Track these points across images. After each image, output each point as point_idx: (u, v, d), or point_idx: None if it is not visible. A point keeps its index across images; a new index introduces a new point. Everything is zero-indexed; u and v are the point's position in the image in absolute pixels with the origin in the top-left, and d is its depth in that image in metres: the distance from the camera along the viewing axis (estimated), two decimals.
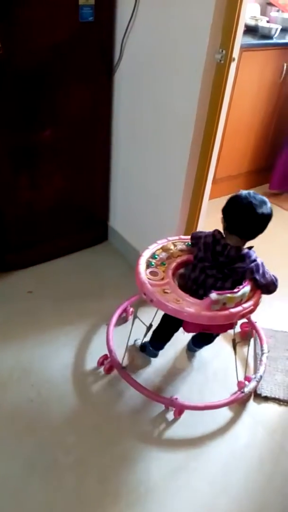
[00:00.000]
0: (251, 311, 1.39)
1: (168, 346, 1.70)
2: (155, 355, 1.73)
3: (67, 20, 1.66)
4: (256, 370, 1.74)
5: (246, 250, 1.42)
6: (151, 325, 1.55)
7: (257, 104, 2.60)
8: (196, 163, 1.70)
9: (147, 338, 1.68)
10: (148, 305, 1.43)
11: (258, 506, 1.35)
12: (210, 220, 2.02)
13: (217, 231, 1.45)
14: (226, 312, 1.33)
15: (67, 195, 2.08)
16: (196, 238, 1.51)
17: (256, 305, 1.40)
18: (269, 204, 1.38)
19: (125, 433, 1.50)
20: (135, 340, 1.78)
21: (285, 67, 2.53)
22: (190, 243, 1.58)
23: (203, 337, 1.71)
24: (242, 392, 1.59)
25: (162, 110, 1.72)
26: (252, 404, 1.64)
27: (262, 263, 1.43)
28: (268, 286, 1.43)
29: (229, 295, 1.32)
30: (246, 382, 1.63)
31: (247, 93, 2.48)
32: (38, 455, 1.40)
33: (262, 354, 1.78)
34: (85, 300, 1.99)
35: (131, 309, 1.89)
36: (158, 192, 1.90)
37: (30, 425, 1.48)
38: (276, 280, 1.45)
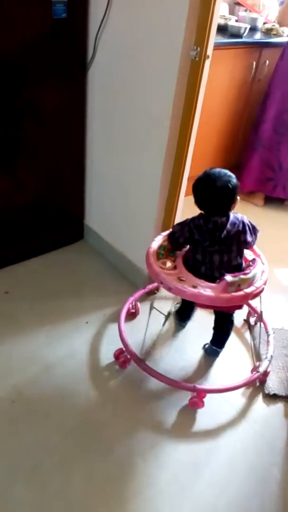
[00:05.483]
0: (262, 289, 1.47)
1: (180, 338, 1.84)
2: (182, 326, 1.88)
3: (40, 16, 1.64)
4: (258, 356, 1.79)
5: (232, 216, 1.46)
6: (169, 314, 1.63)
7: (227, 102, 2.64)
8: (172, 160, 1.71)
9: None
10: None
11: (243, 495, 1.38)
12: (186, 216, 2.05)
13: (202, 213, 1.48)
14: (242, 293, 1.41)
15: (42, 193, 2.05)
16: (181, 229, 1.51)
17: (265, 283, 1.48)
18: (228, 175, 1.42)
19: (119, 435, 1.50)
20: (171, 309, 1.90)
21: (254, 65, 2.59)
22: (172, 238, 1.55)
23: (220, 330, 1.73)
24: (258, 372, 1.66)
25: (137, 107, 1.73)
26: (260, 403, 1.66)
27: (246, 221, 1.49)
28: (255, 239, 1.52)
29: (242, 276, 1.41)
30: (258, 363, 1.71)
31: (218, 91, 2.52)
32: (21, 457, 1.38)
33: (268, 335, 1.83)
34: (63, 299, 1.97)
35: (139, 305, 1.93)
36: (135, 189, 1.90)
37: (13, 427, 1.46)
38: (256, 230, 1.52)
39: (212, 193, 1.41)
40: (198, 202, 1.46)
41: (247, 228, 1.47)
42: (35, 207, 2.07)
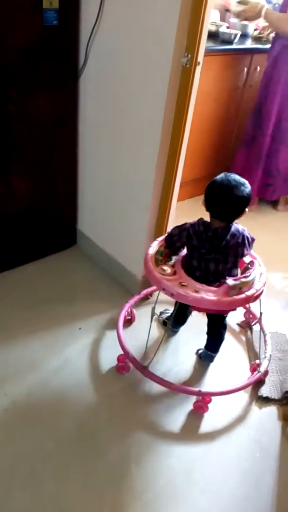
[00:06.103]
0: (262, 291, 1.48)
1: (172, 342, 1.85)
2: (175, 333, 1.90)
3: (30, 23, 1.64)
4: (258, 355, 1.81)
5: (233, 227, 1.47)
6: (168, 319, 1.74)
7: (219, 108, 2.65)
8: (164, 165, 1.72)
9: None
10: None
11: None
12: (178, 221, 2.06)
13: (202, 219, 1.49)
14: (243, 296, 1.43)
15: (34, 199, 2.05)
16: (179, 233, 1.52)
17: (264, 285, 1.49)
18: (246, 186, 1.42)
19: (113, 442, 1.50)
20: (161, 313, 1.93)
21: (245, 72, 2.61)
22: (170, 241, 1.56)
23: (214, 335, 1.73)
24: (259, 372, 1.68)
25: (129, 113, 1.73)
26: (253, 406, 1.66)
27: (246, 234, 1.49)
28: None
29: (243, 279, 1.42)
30: (257, 361, 1.73)
31: (209, 97, 2.53)
32: (16, 463, 1.37)
33: (265, 334, 1.85)
34: (56, 305, 1.96)
35: (134, 312, 1.92)
36: (127, 195, 1.90)
37: (7, 435, 1.45)
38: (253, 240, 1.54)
39: (228, 200, 1.40)
40: (208, 204, 1.45)
41: (246, 242, 1.48)
42: (28, 213, 2.06)
